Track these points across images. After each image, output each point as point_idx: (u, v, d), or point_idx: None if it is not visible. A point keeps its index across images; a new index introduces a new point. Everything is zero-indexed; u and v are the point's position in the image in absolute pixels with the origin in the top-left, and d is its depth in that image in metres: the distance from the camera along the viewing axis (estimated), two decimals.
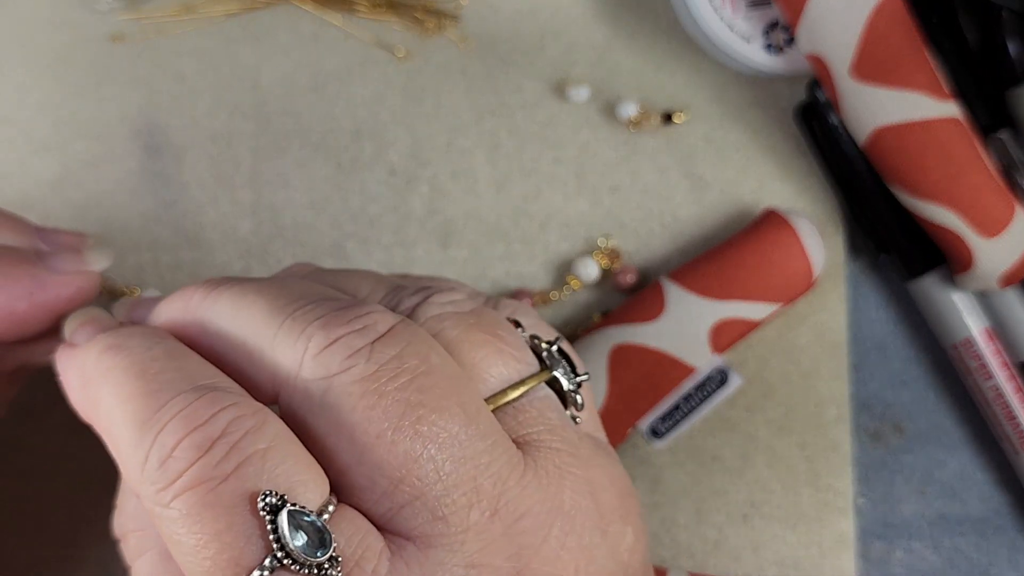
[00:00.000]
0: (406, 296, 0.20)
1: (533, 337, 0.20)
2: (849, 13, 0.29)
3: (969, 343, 0.32)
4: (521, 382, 0.19)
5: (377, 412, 0.16)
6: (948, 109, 0.29)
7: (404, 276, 0.23)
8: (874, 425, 0.34)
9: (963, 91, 0.30)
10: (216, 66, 0.33)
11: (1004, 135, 0.30)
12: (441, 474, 0.16)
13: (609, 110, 0.33)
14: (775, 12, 0.32)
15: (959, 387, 0.34)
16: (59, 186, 0.32)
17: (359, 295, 0.20)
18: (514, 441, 0.18)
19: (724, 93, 0.34)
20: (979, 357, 0.32)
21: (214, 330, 0.19)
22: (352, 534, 0.16)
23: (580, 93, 0.33)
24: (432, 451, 0.16)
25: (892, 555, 0.34)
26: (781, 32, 0.32)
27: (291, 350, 0.17)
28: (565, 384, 0.19)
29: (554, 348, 0.20)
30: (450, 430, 0.16)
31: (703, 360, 0.31)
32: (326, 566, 0.15)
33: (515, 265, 0.33)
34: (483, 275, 0.33)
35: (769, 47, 0.32)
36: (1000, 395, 0.32)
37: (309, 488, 0.16)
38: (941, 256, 0.31)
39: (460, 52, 0.33)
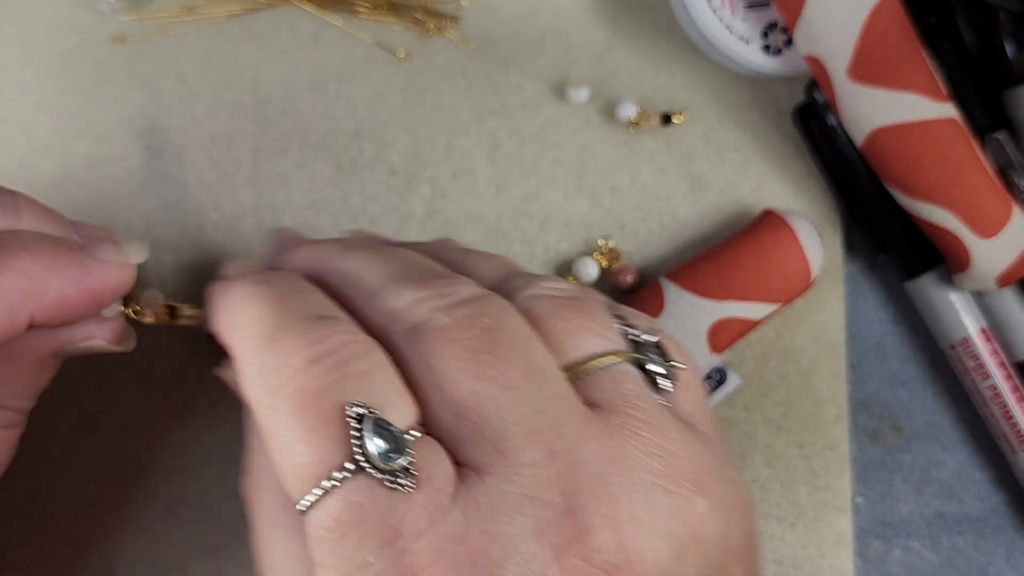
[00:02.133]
0: (516, 279, 0.22)
1: (629, 326, 0.21)
2: (847, 14, 0.29)
3: (967, 343, 0.32)
4: (602, 355, 0.20)
5: (447, 355, 0.18)
6: (946, 110, 0.29)
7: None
8: (872, 424, 0.34)
9: (960, 92, 0.30)
10: (217, 67, 0.33)
11: (1001, 136, 0.30)
12: (500, 413, 0.18)
13: (609, 111, 0.34)
14: (773, 13, 0.32)
15: (957, 387, 0.34)
16: (60, 186, 0.32)
17: (472, 273, 0.22)
18: (587, 403, 0.19)
19: (723, 94, 0.34)
20: (977, 357, 0.32)
21: (341, 277, 0.22)
22: (428, 454, 0.18)
23: (580, 94, 0.33)
24: (492, 391, 0.18)
25: (890, 554, 0.34)
26: (779, 33, 0.32)
27: (392, 303, 0.20)
28: (652, 367, 0.21)
29: (646, 337, 0.21)
30: (511, 377, 0.18)
31: (702, 360, 0.31)
32: (399, 475, 0.17)
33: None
34: None
35: (767, 48, 0.32)
36: (997, 394, 0.32)
37: (398, 409, 0.18)
38: (939, 256, 0.32)
39: (460, 53, 0.33)
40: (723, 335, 0.31)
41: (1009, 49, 0.30)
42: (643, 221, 0.34)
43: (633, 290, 0.33)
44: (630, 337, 0.21)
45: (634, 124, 0.33)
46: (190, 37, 0.33)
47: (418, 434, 0.18)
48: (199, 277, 0.32)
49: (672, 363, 0.21)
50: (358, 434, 0.17)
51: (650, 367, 0.21)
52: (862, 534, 0.34)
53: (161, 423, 0.32)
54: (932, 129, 0.29)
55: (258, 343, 0.19)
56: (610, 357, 0.20)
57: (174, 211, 0.32)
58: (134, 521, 0.32)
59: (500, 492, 0.18)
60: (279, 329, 0.19)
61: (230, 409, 0.32)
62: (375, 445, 0.17)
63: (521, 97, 0.33)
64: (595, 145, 0.34)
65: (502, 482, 0.18)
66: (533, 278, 0.22)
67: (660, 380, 0.21)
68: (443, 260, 0.23)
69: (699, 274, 0.31)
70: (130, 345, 0.26)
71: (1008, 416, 0.32)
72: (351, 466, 0.17)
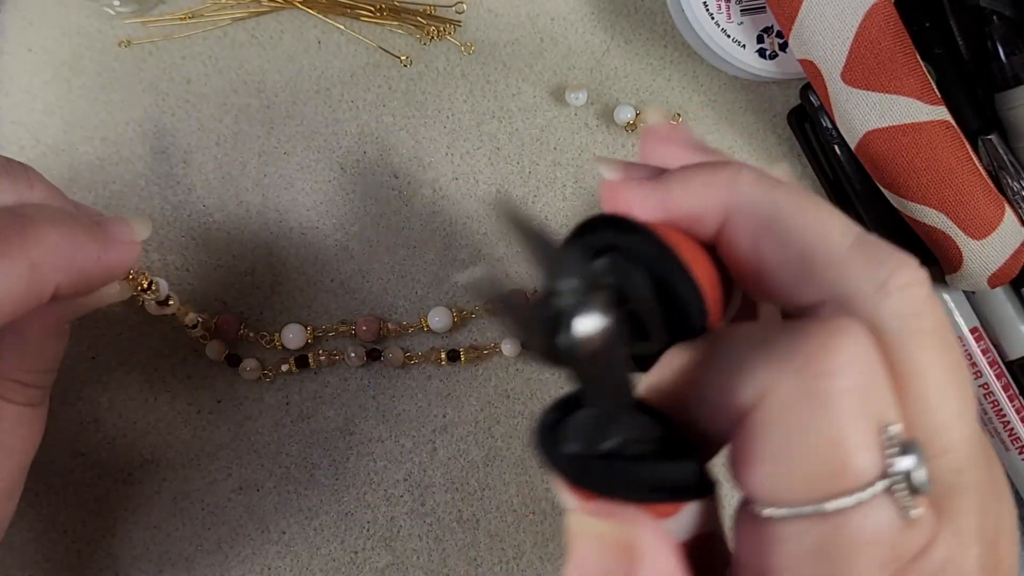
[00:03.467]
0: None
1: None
2: (841, 19, 0.29)
3: (959, 342, 0.33)
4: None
5: (947, 361, 0.17)
6: (938, 113, 0.29)
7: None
8: None
9: (953, 95, 0.30)
10: (222, 70, 0.33)
11: (993, 138, 0.30)
12: (976, 432, 0.17)
13: (607, 114, 0.34)
14: (769, 18, 0.32)
15: None
16: (68, 188, 0.32)
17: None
18: None
19: (719, 97, 0.34)
20: (969, 356, 0.33)
21: (770, 218, 0.18)
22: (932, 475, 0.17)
23: (578, 97, 0.33)
24: (970, 410, 0.17)
25: None
26: (775, 37, 0.32)
27: (871, 271, 0.17)
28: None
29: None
30: (973, 399, 0.17)
31: None
32: (913, 501, 0.16)
33: (515, 265, 0.34)
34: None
35: (763, 52, 0.32)
36: (990, 393, 0.33)
37: (900, 426, 0.16)
38: (931, 257, 0.32)
39: (461, 57, 0.34)
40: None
41: (1001, 52, 0.30)
42: None
43: None
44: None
45: (632, 127, 0.34)
46: (196, 41, 0.33)
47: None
48: (206, 279, 0.33)
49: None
50: (897, 453, 0.16)
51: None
52: None
53: (166, 420, 0.32)
54: (924, 132, 0.29)
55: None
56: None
57: (180, 212, 0.33)
58: (139, 517, 0.32)
59: (979, 502, 0.17)
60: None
61: (235, 407, 0.33)
62: (911, 471, 0.16)
63: (521, 100, 0.34)
64: (593, 147, 0.34)
65: (976, 496, 0.17)
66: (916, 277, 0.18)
67: None
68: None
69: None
70: (126, 294, 0.28)
71: (1000, 414, 0.33)
72: (886, 484, 0.16)
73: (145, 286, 0.28)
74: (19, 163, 0.25)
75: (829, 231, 0.18)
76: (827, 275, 0.18)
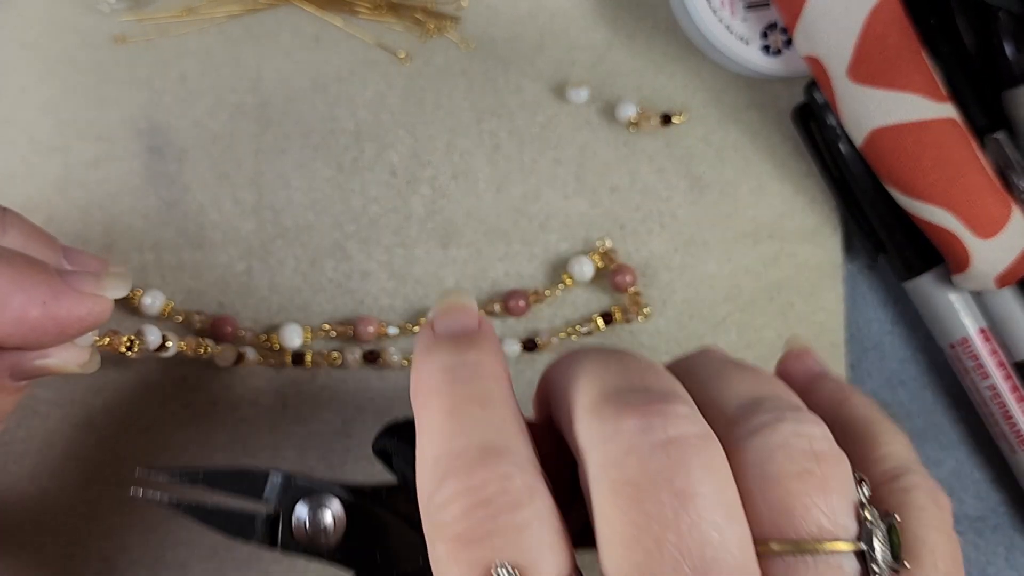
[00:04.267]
0: (762, 414, 0.19)
1: (865, 505, 0.19)
2: (846, 15, 0.29)
3: (966, 343, 0.32)
4: (815, 541, 0.18)
5: (626, 517, 0.17)
6: (945, 110, 0.29)
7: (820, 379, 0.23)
8: None
9: (960, 92, 0.30)
10: (218, 67, 0.33)
11: (1000, 136, 0.30)
12: None
13: (608, 111, 0.34)
14: (773, 14, 0.32)
15: (956, 386, 0.34)
16: (62, 187, 0.32)
17: (718, 394, 0.21)
18: None
19: (722, 94, 0.34)
20: (976, 357, 0.32)
21: (552, 380, 0.21)
22: None
23: (580, 94, 0.33)
24: (657, 569, 0.17)
25: None
26: (779, 34, 0.32)
27: (586, 429, 0.19)
28: (874, 563, 0.18)
29: (882, 524, 0.19)
30: (684, 556, 0.17)
31: None
32: None
33: (515, 265, 0.33)
34: (483, 275, 0.33)
35: (767, 49, 0.32)
36: (997, 394, 0.32)
37: (546, 567, 0.18)
38: (938, 256, 0.32)
39: (460, 53, 0.34)
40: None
41: (1008, 49, 0.30)
42: (643, 221, 0.34)
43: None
44: (865, 518, 0.19)
45: (634, 124, 0.33)
46: (191, 38, 0.33)
47: None
48: (200, 278, 0.32)
49: (896, 564, 0.19)
50: None
51: (873, 564, 0.18)
52: None
53: (161, 423, 0.32)
54: (931, 129, 0.29)
55: (427, 461, 0.19)
56: (826, 544, 0.18)
57: (175, 211, 0.32)
58: (134, 522, 0.32)
59: None
60: (445, 454, 0.19)
61: (230, 409, 0.32)
62: None
63: (521, 97, 0.34)
64: (595, 145, 0.34)
65: None
66: (783, 422, 0.19)
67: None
68: (693, 375, 0.21)
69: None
70: (91, 368, 0.25)
71: (1007, 416, 0.32)
72: None
73: (127, 346, 0.26)
74: (1, 208, 0.23)
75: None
76: (574, 431, 0.19)
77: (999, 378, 0.32)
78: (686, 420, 0.18)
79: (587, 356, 0.21)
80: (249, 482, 0.22)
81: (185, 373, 0.32)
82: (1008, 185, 0.30)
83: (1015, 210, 0.30)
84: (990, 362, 0.32)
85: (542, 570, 0.18)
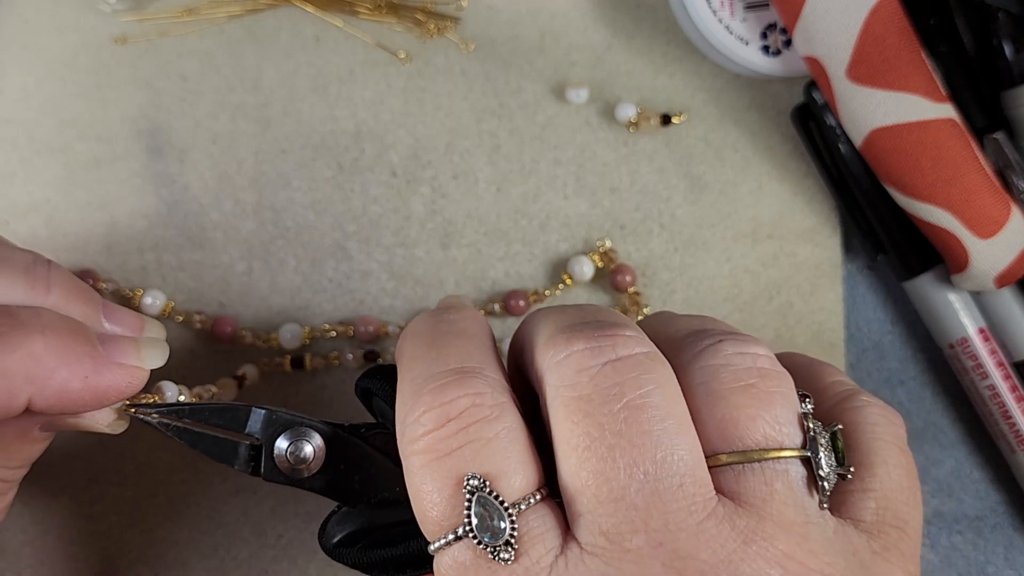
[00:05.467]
0: (705, 338, 0.21)
1: (808, 417, 0.20)
2: (846, 15, 0.29)
3: (965, 343, 0.32)
4: (761, 450, 0.19)
5: (579, 428, 0.19)
6: (944, 110, 0.29)
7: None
8: None
9: (959, 93, 0.30)
10: (218, 67, 0.33)
11: (1000, 136, 0.30)
12: (615, 495, 0.18)
13: (608, 111, 0.34)
14: (772, 14, 0.32)
15: (955, 386, 0.34)
16: (63, 187, 0.32)
17: (662, 327, 0.22)
18: (728, 494, 0.19)
19: (722, 95, 0.34)
20: (975, 357, 0.32)
21: (519, 333, 0.22)
22: (535, 527, 0.19)
23: (579, 95, 0.33)
24: (613, 473, 0.18)
25: None
26: (778, 34, 0.32)
27: (543, 357, 0.20)
28: (820, 468, 0.19)
29: (825, 433, 0.20)
30: (637, 461, 0.18)
31: None
32: (500, 547, 0.18)
33: (515, 265, 0.33)
34: (483, 276, 0.33)
35: (766, 49, 0.32)
36: (996, 394, 0.32)
37: (515, 479, 0.19)
38: (937, 256, 0.32)
39: (460, 54, 0.34)
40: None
41: (1007, 50, 0.30)
42: (643, 221, 0.34)
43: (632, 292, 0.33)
44: (808, 430, 0.20)
45: (633, 125, 0.33)
46: (191, 38, 0.33)
47: (533, 501, 0.19)
48: (201, 278, 0.32)
49: (840, 468, 0.20)
50: (468, 507, 0.18)
51: (818, 468, 0.19)
52: None
53: None
54: (930, 129, 0.29)
55: (406, 387, 0.20)
56: (772, 452, 0.19)
57: (175, 211, 0.32)
58: (134, 522, 0.32)
59: (597, 573, 0.18)
60: (423, 377, 0.20)
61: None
62: (478, 522, 0.18)
63: (521, 98, 0.34)
64: (595, 146, 0.34)
65: (601, 563, 0.18)
66: (725, 341, 0.20)
67: (821, 481, 0.19)
68: (646, 323, 0.22)
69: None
70: (119, 428, 0.24)
71: (1007, 416, 0.32)
72: (461, 531, 0.18)
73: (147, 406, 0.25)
74: (46, 263, 0.23)
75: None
76: (535, 364, 0.20)
77: (998, 378, 0.32)
78: (634, 341, 0.19)
79: (547, 309, 0.22)
80: (232, 415, 0.23)
81: (185, 374, 0.32)
82: (1007, 185, 0.30)
83: (1014, 210, 0.30)
84: (989, 362, 0.32)
85: (512, 481, 0.19)
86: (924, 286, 0.33)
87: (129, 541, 0.32)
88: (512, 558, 0.18)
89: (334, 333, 0.32)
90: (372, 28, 0.33)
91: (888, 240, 0.33)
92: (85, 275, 0.31)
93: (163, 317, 0.32)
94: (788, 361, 0.22)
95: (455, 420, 0.19)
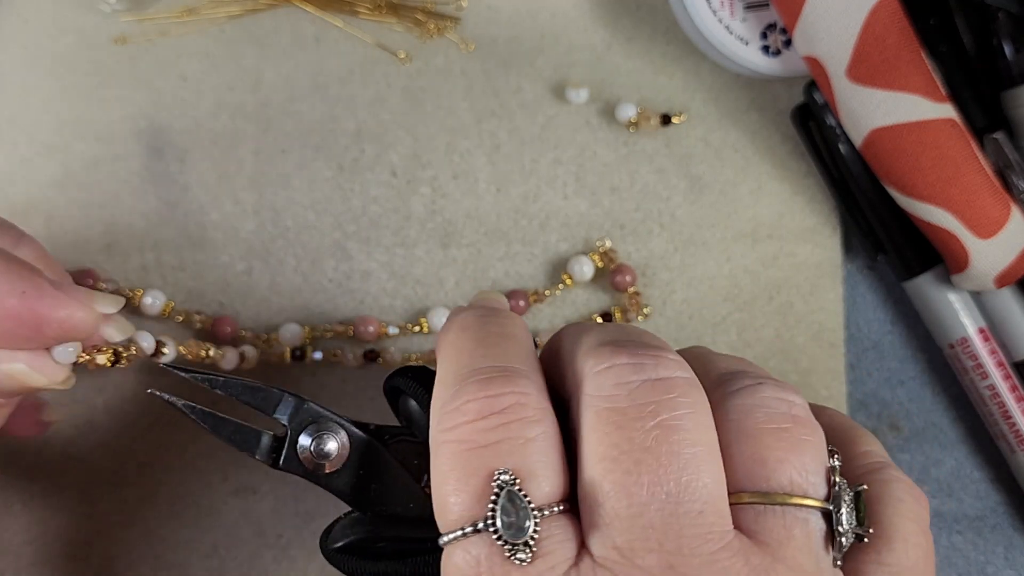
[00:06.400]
0: (744, 378, 0.21)
1: (835, 471, 0.20)
2: (846, 15, 0.29)
3: (965, 343, 0.32)
4: (786, 495, 0.19)
5: (609, 439, 0.19)
6: (944, 110, 0.29)
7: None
8: (871, 424, 0.34)
9: (959, 93, 0.30)
10: (218, 68, 0.33)
11: (999, 136, 0.30)
12: (634, 512, 0.18)
13: (608, 112, 0.34)
14: (772, 14, 0.32)
15: (955, 386, 0.34)
16: (62, 187, 0.32)
17: (702, 362, 0.22)
18: (745, 531, 0.19)
19: (722, 95, 0.34)
20: (975, 356, 0.32)
21: (557, 341, 0.22)
22: (556, 533, 0.18)
23: (579, 95, 0.33)
24: (634, 489, 0.18)
25: None
26: (778, 34, 0.32)
27: (582, 364, 0.20)
28: (839, 524, 0.19)
29: (850, 491, 0.20)
30: (660, 480, 0.18)
31: None
32: (519, 547, 0.18)
33: (515, 265, 0.33)
34: (483, 275, 0.33)
35: (766, 49, 0.32)
36: (996, 394, 0.32)
37: (545, 484, 0.19)
38: (937, 256, 0.32)
39: (461, 54, 0.34)
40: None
41: (1007, 50, 0.30)
42: (643, 221, 0.34)
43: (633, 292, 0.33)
44: (833, 484, 0.20)
45: (633, 125, 0.33)
46: (191, 38, 0.33)
47: (557, 509, 0.19)
48: (201, 278, 0.32)
49: (860, 528, 0.20)
50: (495, 501, 0.18)
51: (838, 524, 0.19)
52: None
53: (161, 423, 0.32)
54: (930, 129, 0.29)
55: (449, 375, 0.20)
56: (795, 499, 0.19)
57: (175, 211, 0.32)
58: (134, 522, 0.32)
59: None
60: (469, 369, 0.20)
61: (231, 409, 0.32)
62: (503, 518, 0.18)
63: (521, 98, 0.34)
64: (595, 146, 0.34)
65: None
66: (764, 384, 0.20)
67: (839, 538, 0.19)
68: (686, 354, 0.22)
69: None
70: (68, 384, 0.24)
71: (1006, 416, 0.32)
72: (481, 526, 0.18)
73: (112, 360, 0.25)
74: (16, 229, 0.24)
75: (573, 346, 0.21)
76: (572, 372, 0.21)
77: (998, 378, 0.32)
78: (675, 364, 0.19)
79: (588, 323, 0.22)
80: (263, 397, 0.23)
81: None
82: (1007, 185, 0.30)
83: (1014, 210, 0.30)
84: (989, 362, 0.32)
85: (542, 485, 0.19)
86: (924, 286, 0.33)
87: (128, 541, 0.32)
88: (528, 560, 0.18)
89: (333, 333, 0.32)
90: (372, 28, 0.33)
91: (888, 240, 0.33)
92: (85, 275, 0.31)
93: (163, 317, 0.32)
94: (827, 418, 0.22)
95: (498, 414, 0.19)
